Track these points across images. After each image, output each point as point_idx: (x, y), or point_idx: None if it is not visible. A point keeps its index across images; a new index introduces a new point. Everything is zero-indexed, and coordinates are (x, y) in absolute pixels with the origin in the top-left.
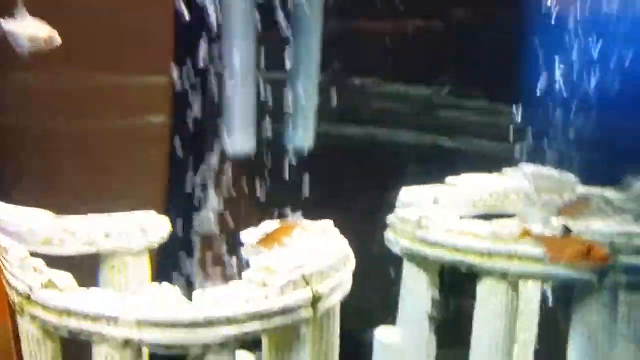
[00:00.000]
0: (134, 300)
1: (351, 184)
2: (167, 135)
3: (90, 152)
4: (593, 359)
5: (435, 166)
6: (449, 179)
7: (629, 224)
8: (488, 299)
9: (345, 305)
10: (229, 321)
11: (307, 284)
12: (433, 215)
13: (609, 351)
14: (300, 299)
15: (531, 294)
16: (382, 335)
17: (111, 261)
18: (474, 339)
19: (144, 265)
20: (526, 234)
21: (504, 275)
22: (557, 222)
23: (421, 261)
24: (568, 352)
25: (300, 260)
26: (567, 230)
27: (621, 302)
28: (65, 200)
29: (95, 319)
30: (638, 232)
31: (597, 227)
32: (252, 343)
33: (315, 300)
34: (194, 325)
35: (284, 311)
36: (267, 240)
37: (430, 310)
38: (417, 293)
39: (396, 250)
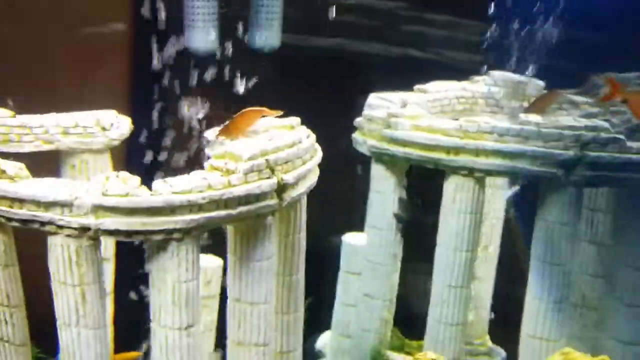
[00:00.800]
0: (89, 186)
1: (320, 92)
2: (128, 40)
3: (51, 57)
4: (555, 254)
5: (404, 76)
6: (418, 86)
7: (596, 119)
8: (454, 195)
9: (314, 211)
10: (191, 207)
11: (272, 172)
12: (400, 113)
13: (570, 246)
14: (264, 186)
15: (496, 195)
16: (350, 239)
17: (71, 160)
18: (440, 235)
19: (105, 164)
20: (614, 93)
21: (470, 171)
22: (524, 117)
23: (388, 161)
24: (531, 248)
25: (264, 147)
26: None
27: (584, 207)
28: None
29: (48, 206)
30: (605, 126)
31: (566, 121)
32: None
33: (280, 189)
34: (153, 210)
35: (248, 198)
36: (229, 128)
37: (397, 210)
38: (384, 193)
39: (364, 150)
